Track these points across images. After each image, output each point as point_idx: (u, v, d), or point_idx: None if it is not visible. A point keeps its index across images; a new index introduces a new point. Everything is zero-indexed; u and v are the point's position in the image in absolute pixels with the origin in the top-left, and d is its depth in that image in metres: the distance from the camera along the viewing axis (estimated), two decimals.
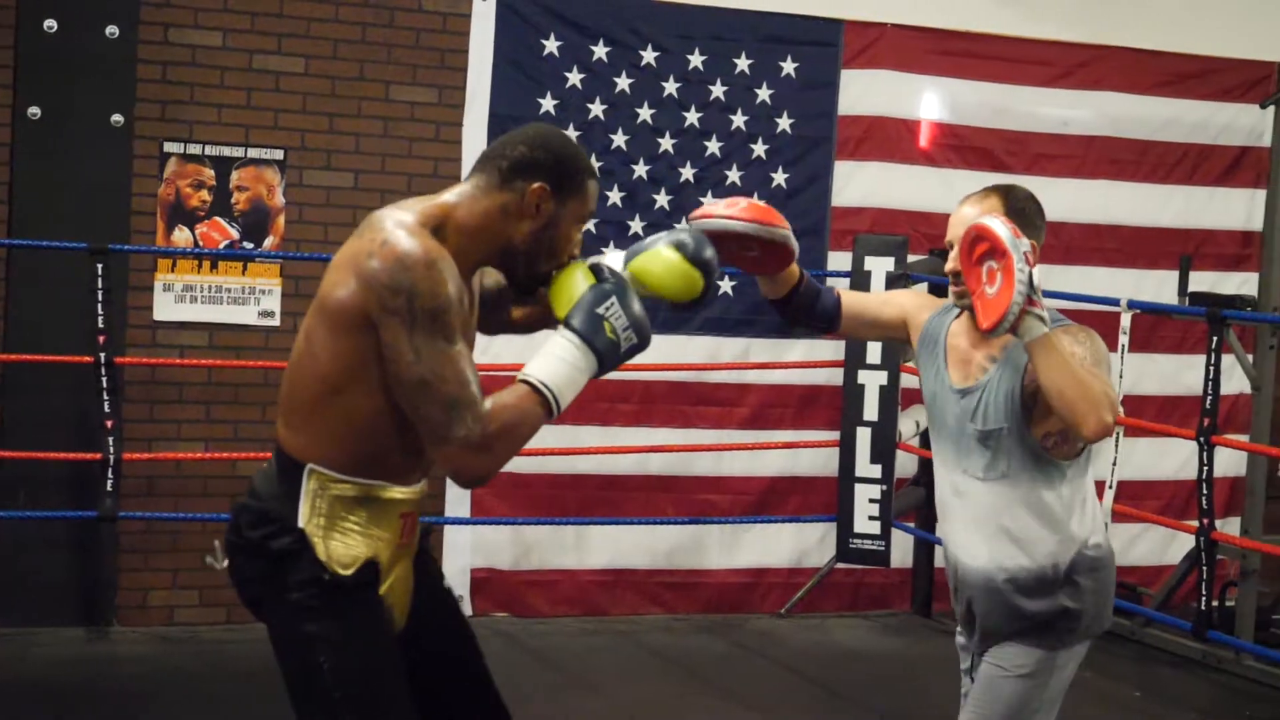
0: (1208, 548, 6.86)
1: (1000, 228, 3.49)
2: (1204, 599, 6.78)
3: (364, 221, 3.19)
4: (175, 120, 7.23)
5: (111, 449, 6.81)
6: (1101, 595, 3.82)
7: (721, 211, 3.73)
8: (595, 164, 7.65)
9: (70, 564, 7.18)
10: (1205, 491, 6.80)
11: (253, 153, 7.34)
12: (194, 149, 7.26)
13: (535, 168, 3.21)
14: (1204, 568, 6.83)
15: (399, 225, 3.11)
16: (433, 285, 3.04)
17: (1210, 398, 6.83)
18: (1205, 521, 6.84)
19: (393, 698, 3.23)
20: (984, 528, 3.79)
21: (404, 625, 3.35)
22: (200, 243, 7.26)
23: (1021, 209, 3.76)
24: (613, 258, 3.41)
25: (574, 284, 3.25)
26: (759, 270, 3.91)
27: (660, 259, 3.36)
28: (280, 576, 3.19)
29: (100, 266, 6.79)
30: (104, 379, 6.79)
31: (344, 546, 3.18)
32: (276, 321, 7.38)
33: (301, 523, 3.17)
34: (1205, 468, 6.78)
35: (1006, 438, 3.72)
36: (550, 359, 3.14)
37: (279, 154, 7.37)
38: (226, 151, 7.30)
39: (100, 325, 6.79)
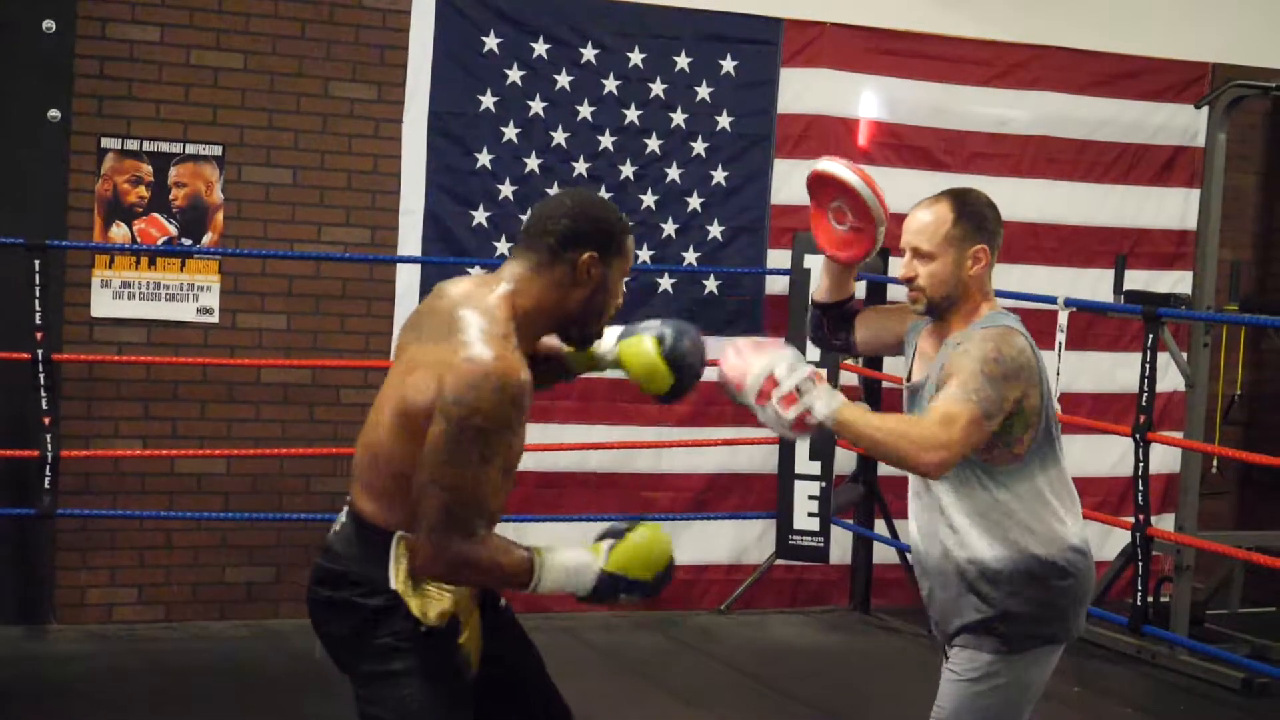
0: (1143, 544, 6.93)
1: (840, 170, 3.89)
2: (1140, 594, 6.84)
3: (451, 315, 3.34)
4: (113, 116, 7.19)
5: (49, 446, 6.76)
6: (1054, 602, 3.79)
7: (842, 164, 3.91)
8: (536, 161, 7.69)
9: (7, 562, 7.13)
10: (1141, 488, 6.86)
11: (191, 148, 7.30)
12: (132, 144, 7.21)
13: (582, 238, 3.39)
14: (1140, 563, 6.90)
15: (484, 337, 3.28)
16: (494, 407, 3.21)
17: (1146, 395, 6.90)
18: (1141, 518, 6.91)
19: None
20: (935, 521, 3.86)
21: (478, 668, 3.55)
22: (138, 239, 7.22)
23: (975, 212, 3.83)
24: (612, 332, 3.64)
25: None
26: (842, 249, 3.96)
27: (639, 348, 3.62)
28: (371, 629, 3.38)
29: (37, 263, 6.74)
30: (41, 376, 6.73)
31: (431, 603, 3.37)
32: (215, 318, 7.35)
33: (393, 584, 3.36)
34: (1141, 464, 6.85)
35: None
36: (567, 570, 3.34)
37: (218, 150, 7.33)
38: (165, 147, 7.26)
39: (38, 322, 6.74)
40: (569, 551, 3.36)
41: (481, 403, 3.20)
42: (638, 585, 3.40)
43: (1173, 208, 8.90)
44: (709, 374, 3.77)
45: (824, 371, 3.81)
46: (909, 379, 3.96)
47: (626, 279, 3.54)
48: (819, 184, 3.97)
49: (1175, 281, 8.78)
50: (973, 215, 3.81)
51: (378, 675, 3.40)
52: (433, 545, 3.24)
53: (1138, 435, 6.83)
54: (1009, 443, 3.74)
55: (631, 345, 3.63)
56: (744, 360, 3.61)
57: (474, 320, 3.31)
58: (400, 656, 3.37)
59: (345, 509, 3.50)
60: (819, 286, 4.12)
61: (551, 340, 3.64)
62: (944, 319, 3.86)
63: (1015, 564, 3.78)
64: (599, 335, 3.56)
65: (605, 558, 3.37)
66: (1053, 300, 7.29)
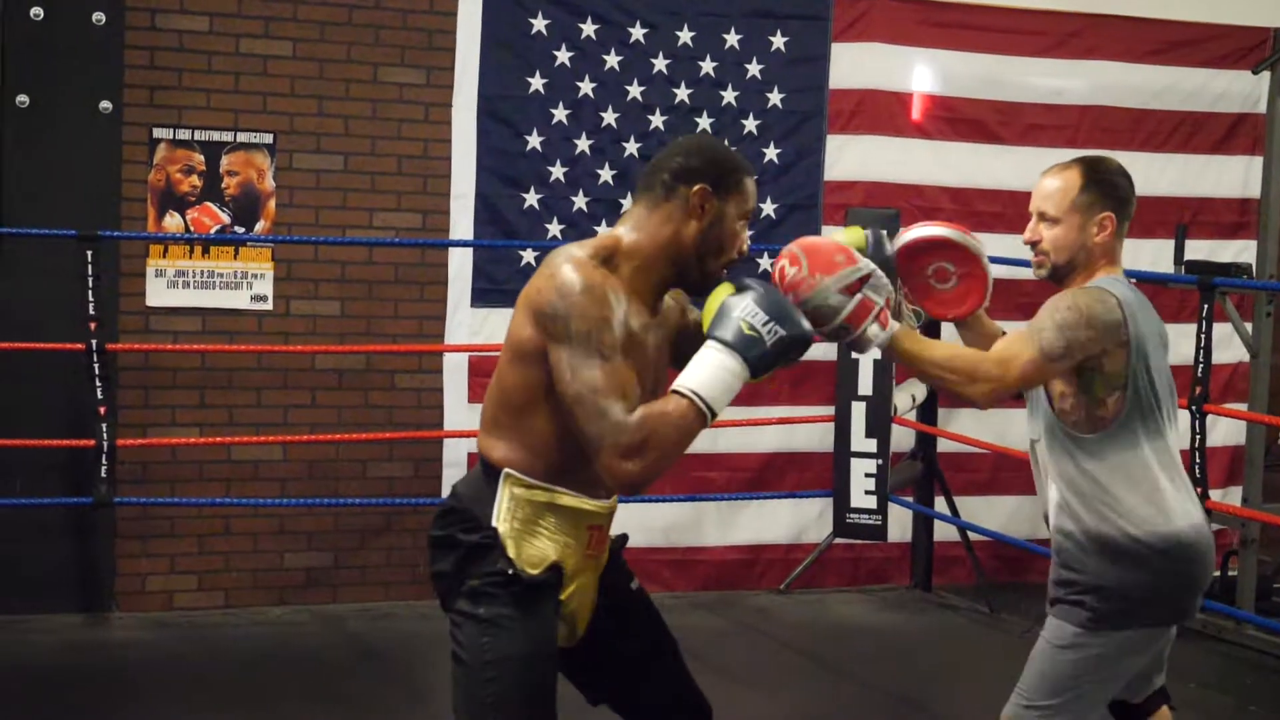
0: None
1: (928, 230, 3.81)
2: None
3: (545, 257, 3.43)
4: (164, 106, 7.22)
5: (105, 435, 6.80)
6: (1151, 583, 3.75)
7: (918, 228, 3.91)
8: (586, 142, 7.66)
9: (68, 551, 7.19)
10: (1199, 461, 6.76)
11: (242, 137, 7.32)
12: (183, 134, 7.24)
13: (694, 173, 3.43)
14: None
15: (566, 260, 3.36)
16: (585, 309, 3.27)
17: (1202, 366, 6.81)
18: (1199, 491, 6.80)
19: (539, 693, 3.42)
20: (1041, 488, 3.93)
21: (584, 633, 3.56)
22: (191, 228, 7.25)
23: (1104, 179, 3.84)
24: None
25: (715, 298, 3.41)
26: (958, 305, 3.96)
27: (715, 293, 3.46)
28: (467, 567, 3.41)
29: (90, 253, 6.78)
30: (96, 366, 6.78)
31: (533, 548, 3.40)
32: (269, 305, 7.37)
33: (495, 521, 3.40)
34: (1198, 436, 6.75)
35: (1034, 404, 3.86)
36: (694, 366, 3.30)
37: (268, 138, 7.35)
38: (216, 136, 7.28)
39: (91, 312, 6.78)
40: (692, 363, 3.29)
41: (572, 308, 3.27)
42: (754, 309, 3.30)
43: (1234, 176, 8.77)
44: None
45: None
46: None
47: (746, 221, 3.51)
48: (907, 259, 3.94)
49: (1239, 251, 8.66)
50: (1101, 183, 3.84)
51: (465, 616, 3.40)
52: (611, 453, 3.22)
53: (1194, 407, 6.74)
54: (1091, 403, 3.73)
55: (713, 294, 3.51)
56: (808, 274, 3.56)
57: (560, 251, 3.41)
58: (488, 602, 3.37)
59: None
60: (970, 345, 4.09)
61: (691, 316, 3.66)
62: (1066, 285, 3.88)
63: (1105, 538, 3.76)
64: (716, 278, 3.49)
65: (708, 334, 3.32)
66: None
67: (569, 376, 3.25)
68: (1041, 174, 3.93)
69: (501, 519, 3.39)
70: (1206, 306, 6.85)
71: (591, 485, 3.43)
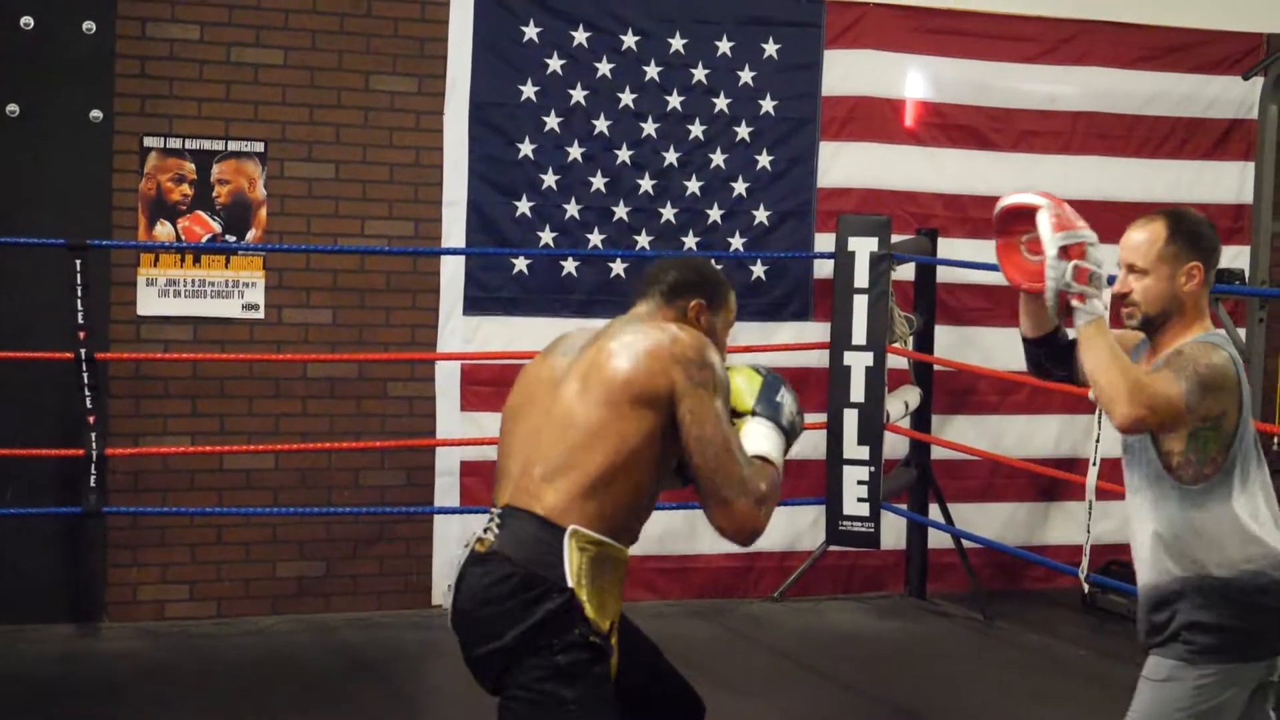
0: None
1: (1044, 223, 3.75)
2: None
3: (617, 327, 3.61)
4: (155, 115, 7.21)
5: (94, 445, 6.78)
6: (1246, 621, 3.81)
7: (1036, 195, 3.90)
8: (578, 150, 7.66)
9: (59, 560, 7.18)
10: None
11: (233, 145, 7.31)
12: (174, 143, 7.23)
13: (690, 287, 3.71)
14: None
15: (663, 326, 3.58)
16: (723, 375, 3.54)
17: None
18: None
19: None
20: (1133, 536, 3.93)
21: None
22: (182, 237, 7.24)
23: (1190, 230, 3.88)
24: None
25: (749, 378, 3.69)
26: (1038, 280, 3.90)
27: (742, 370, 3.78)
28: (541, 639, 3.35)
29: (79, 262, 6.76)
30: (85, 375, 6.75)
31: (604, 606, 3.42)
32: (261, 314, 7.36)
33: (570, 582, 3.37)
34: None
35: (1139, 451, 3.84)
36: (760, 439, 3.56)
37: (259, 146, 7.34)
38: (207, 145, 7.28)
39: (80, 321, 6.76)
40: (751, 437, 3.54)
41: (717, 362, 3.51)
42: (790, 399, 3.66)
43: (1229, 182, 8.76)
44: None
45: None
46: None
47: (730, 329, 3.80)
48: (1011, 217, 3.97)
49: (1233, 256, 8.61)
50: (1187, 233, 3.87)
51: (544, 696, 3.34)
52: (750, 500, 3.40)
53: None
54: (1202, 461, 3.78)
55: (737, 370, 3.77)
56: (1069, 217, 3.72)
57: (649, 323, 3.62)
58: (573, 683, 3.34)
59: (497, 518, 3.48)
60: (1024, 323, 4.13)
61: None
62: (1158, 335, 3.90)
63: (1203, 580, 3.81)
64: None
65: (756, 413, 3.60)
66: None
67: (717, 424, 3.44)
68: (1129, 228, 3.97)
69: (575, 578, 3.36)
70: None
71: (633, 539, 3.54)
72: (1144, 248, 3.87)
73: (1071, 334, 3.94)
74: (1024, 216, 3.93)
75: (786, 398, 3.63)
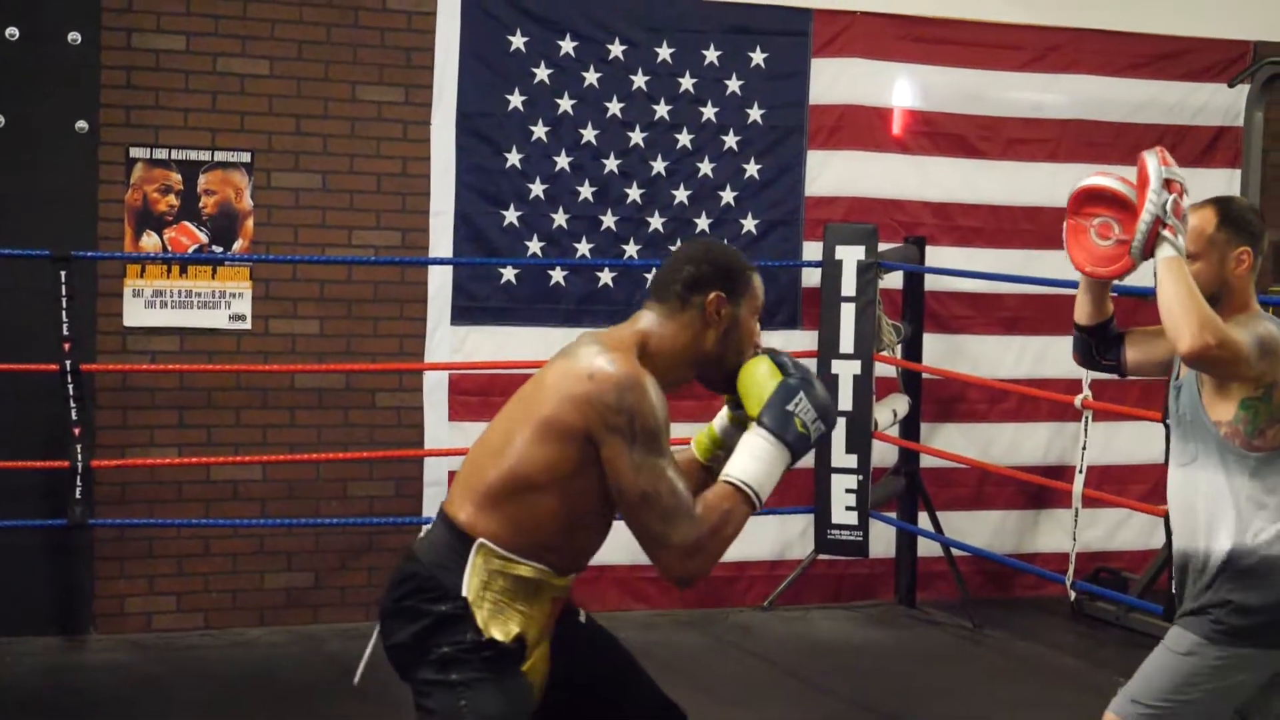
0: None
1: (1115, 183, 3.95)
2: (1174, 582, 6.69)
3: (570, 346, 3.50)
4: (140, 125, 7.19)
5: (79, 456, 6.76)
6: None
7: (1113, 178, 4.05)
8: (566, 159, 7.65)
9: (45, 572, 7.16)
10: None
11: (219, 156, 7.30)
12: (160, 153, 7.22)
13: (706, 281, 3.54)
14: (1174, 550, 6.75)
15: (610, 349, 3.43)
16: (649, 407, 3.35)
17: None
18: None
19: None
20: (1181, 509, 4.02)
21: (540, 695, 3.55)
22: (169, 247, 7.23)
23: (1238, 216, 4.01)
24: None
25: (760, 382, 3.48)
26: (1106, 265, 4.03)
27: (752, 368, 3.54)
28: (435, 636, 3.39)
29: (63, 273, 6.73)
30: (70, 386, 6.73)
31: (501, 619, 3.40)
32: (248, 325, 7.34)
33: (465, 592, 3.38)
34: None
35: (1193, 424, 3.96)
36: (749, 458, 3.41)
37: (246, 156, 7.33)
38: (193, 155, 7.26)
39: (65, 332, 6.73)
40: (741, 452, 3.41)
41: (639, 404, 3.33)
42: (808, 406, 3.43)
43: (1216, 189, 8.68)
44: None
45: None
46: (1176, 377, 4.11)
47: (758, 315, 3.62)
48: (1086, 199, 4.06)
49: None
50: (1236, 219, 4.00)
51: (435, 684, 3.40)
52: (676, 552, 3.33)
53: (1169, 422, 6.70)
54: (1251, 432, 3.90)
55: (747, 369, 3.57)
56: (1169, 160, 3.88)
57: (595, 344, 3.46)
58: (459, 668, 3.37)
59: (435, 520, 3.54)
60: (1079, 309, 4.22)
61: (685, 456, 3.68)
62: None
63: (1247, 556, 3.90)
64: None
65: (760, 424, 3.41)
66: (1078, 285, 7.16)
67: (633, 474, 3.32)
68: None
69: (471, 590, 3.38)
70: None
71: (566, 566, 3.48)
72: (1195, 233, 3.97)
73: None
74: (1100, 199, 4.03)
75: (803, 404, 3.42)
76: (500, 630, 3.38)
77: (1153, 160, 3.85)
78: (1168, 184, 3.80)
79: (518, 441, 3.41)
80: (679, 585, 3.41)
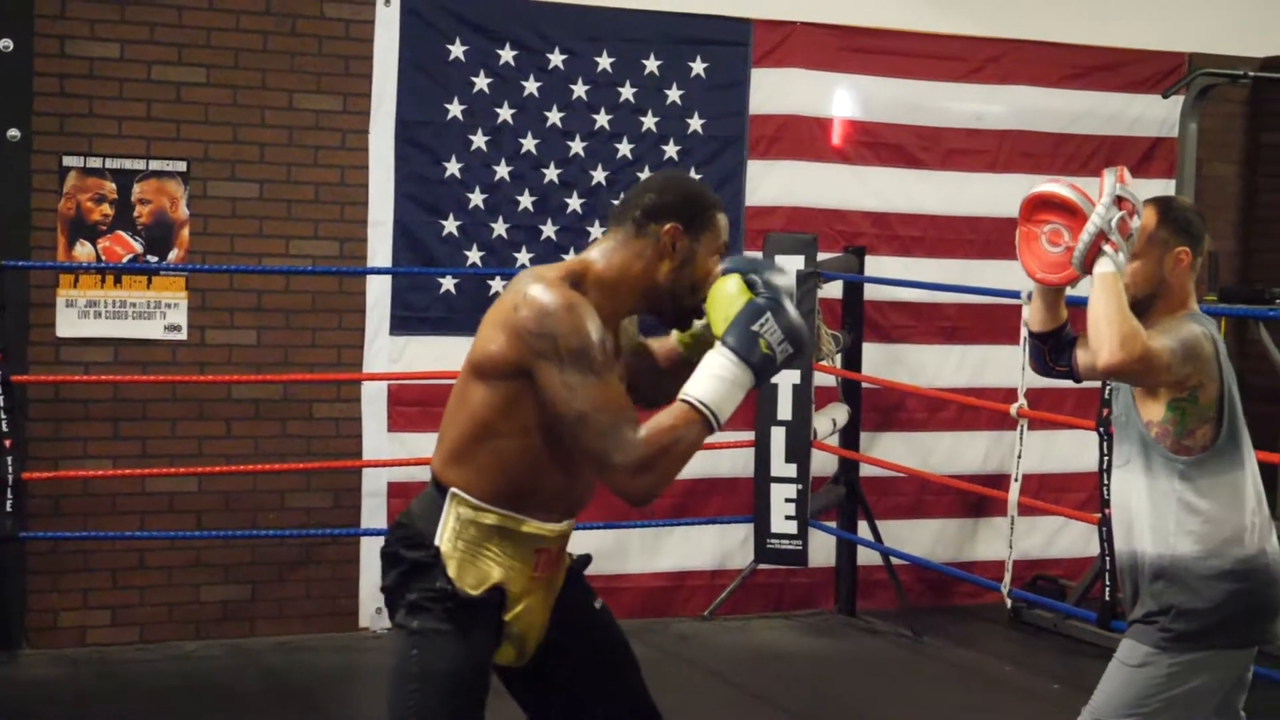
0: (1109, 538, 6.79)
1: (1066, 190, 3.93)
2: (1108, 590, 6.72)
3: (513, 281, 3.45)
4: (74, 134, 7.12)
5: (11, 468, 6.67)
6: (1231, 605, 3.90)
7: (1063, 184, 4.04)
8: (505, 169, 7.62)
9: None
10: (1106, 482, 6.74)
11: (155, 165, 7.23)
12: (94, 162, 7.14)
13: (666, 210, 3.47)
14: (1106, 558, 6.78)
15: (537, 279, 3.39)
16: (573, 327, 3.29)
17: (1109, 387, 6.79)
18: (1107, 512, 6.78)
19: (461, 713, 3.43)
20: (1120, 512, 4.05)
21: (536, 652, 3.57)
22: (103, 257, 7.15)
23: (1179, 216, 4.06)
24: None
25: (729, 299, 3.38)
26: (1056, 272, 4.02)
27: (719, 289, 3.44)
28: (408, 583, 3.43)
29: None
30: (2, 397, 6.65)
31: (474, 569, 3.42)
32: (183, 335, 7.27)
33: (437, 540, 3.42)
34: (1106, 458, 6.73)
35: (1126, 425, 4.01)
36: (708, 377, 3.32)
37: (182, 165, 7.26)
38: (128, 164, 7.19)
39: None
40: (701, 371, 3.33)
41: (560, 325, 3.29)
42: (773, 327, 3.33)
43: None
44: None
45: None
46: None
47: (719, 256, 3.53)
48: (1038, 206, 4.06)
49: None
50: (1177, 219, 4.04)
51: (400, 629, 3.44)
52: (621, 470, 3.26)
53: (1101, 429, 6.74)
54: (1180, 432, 3.91)
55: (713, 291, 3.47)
56: (1127, 179, 3.89)
57: (529, 273, 3.44)
58: (421, 615, 3.40)
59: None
60: (1033, 316, 4.22)
61: (666, 345, 3.71)
62: (1146, 318, 3.99)
63: (1187, 561, 3.91)
64: (692, 314, 3.56)
65: (723, 343, 3.33)
66: (1017, 295, 7.19)
67: (567, 395, 3.28)
68: None
69: (445, 539, 3.41)
70: None
71: (544, 508, 3.46)
72: (1135, 233, 3.97)
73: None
74: (1051, 206, 4.03)
75: (769, 324, 3.31)
76: (473, 579, 3.40)
77: (1110, 177, 3.88)
78: (1119, 201, 3.83)
79: (465, 390, 3.44)
80: (632, 504, 3.36)
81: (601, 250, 3.50)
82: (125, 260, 7.18)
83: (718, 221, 3.52)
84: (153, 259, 7.22)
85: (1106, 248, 3.82)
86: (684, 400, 3.31)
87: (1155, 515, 3.94)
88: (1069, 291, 4.14)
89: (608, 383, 3.31)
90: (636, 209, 3.48)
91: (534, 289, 3.35)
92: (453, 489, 3.43)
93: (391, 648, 3.45)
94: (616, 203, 3.55)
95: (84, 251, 7.13)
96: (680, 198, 3.49)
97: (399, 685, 3.40)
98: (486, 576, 3.41)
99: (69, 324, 7.12)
